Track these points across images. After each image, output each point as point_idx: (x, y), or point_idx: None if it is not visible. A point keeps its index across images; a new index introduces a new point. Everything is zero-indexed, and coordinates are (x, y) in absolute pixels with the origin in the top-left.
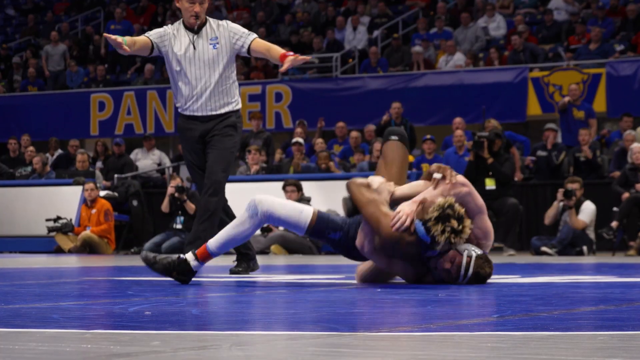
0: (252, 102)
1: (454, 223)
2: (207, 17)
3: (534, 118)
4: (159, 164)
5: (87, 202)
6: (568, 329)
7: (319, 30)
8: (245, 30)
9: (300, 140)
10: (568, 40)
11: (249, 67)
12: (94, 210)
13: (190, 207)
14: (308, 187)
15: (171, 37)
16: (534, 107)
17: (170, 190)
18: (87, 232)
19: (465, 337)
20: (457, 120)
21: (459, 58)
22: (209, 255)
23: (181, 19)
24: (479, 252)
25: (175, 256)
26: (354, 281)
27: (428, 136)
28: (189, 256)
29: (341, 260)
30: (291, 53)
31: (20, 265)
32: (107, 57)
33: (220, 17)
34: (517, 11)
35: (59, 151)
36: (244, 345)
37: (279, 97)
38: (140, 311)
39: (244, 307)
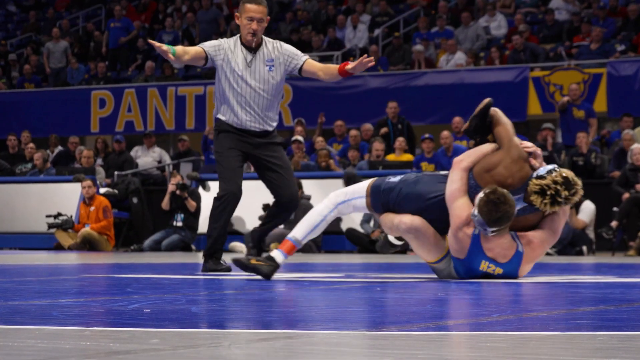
0: None
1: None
2: (263, 37)
3: (534, 118)
4: (159, 162)
5: (86, 200)
6: (567, 329)
7: (320, 29)
8: (299, 52)
9: (300, 138)
10: (572, 40)
11: None
12: (92, 208)
13: (192, 204)
14: (308, 186)
15: (227, 51)
16: (534, 107)
17: (171, 187)
18: (86, 229)
19: (464, 336)
20: (456, 119)
21: (459, 57)
22: (293, 246)
23: (238, 35)
24: (492, 187)
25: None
26: (354, 279)
27: (427, 135)
28: (275, 253)
29: (341, 258)
30: (348, 62)
31: (20, 262)
32: (108, 54)
33: (219, 15)
34: (518, 10)
35: (59, 148)
36: (243, 344)
37: None
38: (139, 309)
39: (243, 306)
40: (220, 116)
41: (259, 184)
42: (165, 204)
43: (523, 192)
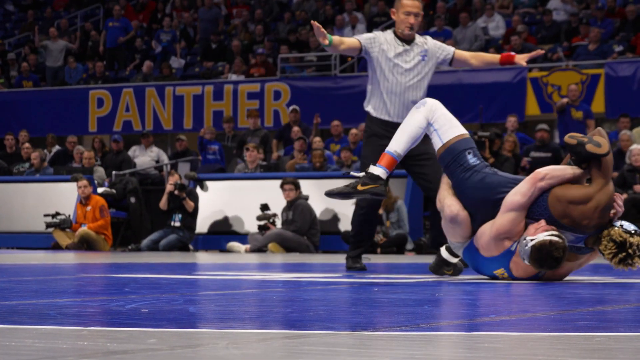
0: (251, 100)
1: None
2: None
3: (532, 118)
4: (157, 161)
5: (82, 200)
6: (565, 329)
7: None
8: (445, 45)
9: (304, 137)
10: (570, 40)
11: (248, 65)
12: (88, 207)
13: (189, 204)
14: (306, 186)
15: (382, 43)
16: (532, 107)
17: (169, 187)
18: (84, 229)
19: (462, 337)
20: None
21: None
22: (394, 160)
23: (392, 29)
24: (560, 241)
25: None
26: (351, 280)
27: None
28: (376, 169)
29: (338, 259)
30: (513, 53)
31: (17, 262)
32: (106, 54)
33: (219, 14)
34: (516, 11)
35: (57, 147)
36: (240, 344)
37: (277, 95)
38: (137, 309)
39: (240, 306)
40: (370, 109)
41: (257, 184)
42: (163, 204)
43: (587, 236)
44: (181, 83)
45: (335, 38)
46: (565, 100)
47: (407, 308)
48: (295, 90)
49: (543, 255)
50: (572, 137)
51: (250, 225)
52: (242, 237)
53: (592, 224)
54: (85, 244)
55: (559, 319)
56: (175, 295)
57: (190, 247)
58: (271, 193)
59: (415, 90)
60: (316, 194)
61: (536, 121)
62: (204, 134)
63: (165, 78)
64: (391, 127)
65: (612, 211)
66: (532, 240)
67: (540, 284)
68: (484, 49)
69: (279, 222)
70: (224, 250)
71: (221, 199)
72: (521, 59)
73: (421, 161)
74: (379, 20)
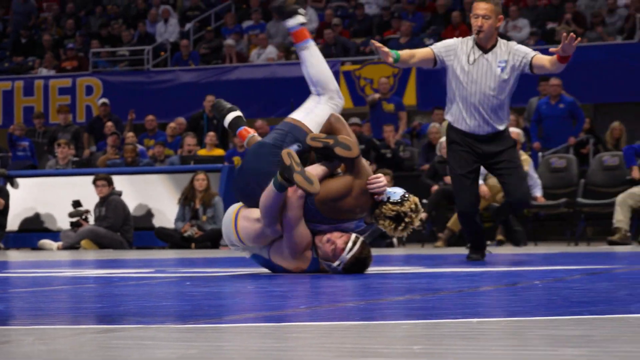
0: (62, 96)
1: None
2: (499, 38)
3: (345, 111)
4: None
5: None
6: (372, 318)
7: (130, 23)
8: (528, 50)
9: (118, 133)
10: (382, 34)
11: (59, 60)
12: None
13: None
14: (119, 181)
15: (458, 50)
16: (345, 101)
17: None
18: None
19: (271, 327)
20: (259, 124)
21: (270, 51)
22: None
23: (473, 35)
24: (362, 248)
25: None
26: (164, 275)
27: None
28: None
29: (152, 254)
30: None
31: None
32: None
33: (34, 8)
34: (329, 5)
35: None
36: (48, 340)
37: (89, 90)
38: None
39: (51, 302)
40: (449, 117)
41: (68, 181)
42: None
43: (364, 217)
44: None
45: (404, 52)
46: (376, 95)
47: (218, 301)
48: (108, 85)
49: (360, 266)
50: (315, 140)
51: (63, 222)
52: (55, 235)
53: (364, 210)
54: None
55: (368, 309)
56: None
57: (0, 245)
58: (83, 189)
59: (493, 99)
60: (129, 189)
61: (349, 114)
62: (14, 130)
63: None
64: (469, 138)
65: (375, 192)
66: (338, 264)
67: (351, 275)
68: None
69: (91, 219)
70: (35, 248)
71: (32, 196)
72: (558, 48)
73: (504, 169)
74: (191, 14)
